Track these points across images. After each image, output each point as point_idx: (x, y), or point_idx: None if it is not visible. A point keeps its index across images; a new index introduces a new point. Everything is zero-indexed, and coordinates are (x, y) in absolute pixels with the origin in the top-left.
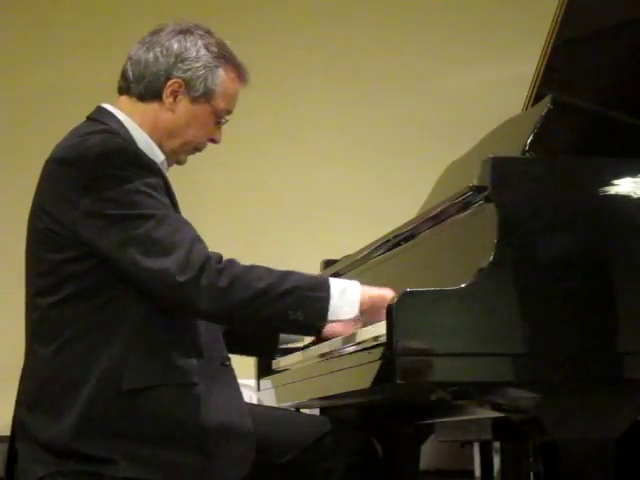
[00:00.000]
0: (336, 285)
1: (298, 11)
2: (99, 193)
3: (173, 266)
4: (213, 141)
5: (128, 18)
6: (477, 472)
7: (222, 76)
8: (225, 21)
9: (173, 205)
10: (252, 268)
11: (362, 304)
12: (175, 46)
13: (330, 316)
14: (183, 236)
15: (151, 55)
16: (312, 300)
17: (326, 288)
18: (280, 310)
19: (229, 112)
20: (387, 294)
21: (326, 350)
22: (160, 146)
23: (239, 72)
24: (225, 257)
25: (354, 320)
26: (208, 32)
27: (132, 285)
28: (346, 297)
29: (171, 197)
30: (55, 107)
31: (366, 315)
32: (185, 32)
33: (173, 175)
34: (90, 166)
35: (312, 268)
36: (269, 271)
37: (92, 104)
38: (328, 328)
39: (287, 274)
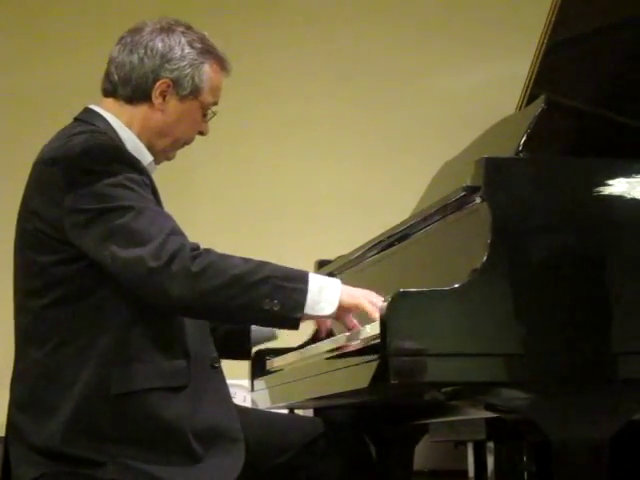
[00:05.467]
0: (315, 280)
1: (298, 9)
2: (81, 189)
3: (147, 254)
4: (201, 133)
5: (125, 18)
6: (471, 472)
7: (207, 71)
8: (225, 19)
9: (158, 204)
10: (228, 256)
11: (341, 304)
12: (159, 46)
13: (307, 309)
14: (161, 227)
15: (135, 57)
16: (289, 290)
17: (304, 281)
18: (255, 298)
19: (215, 104)
20: (365, 303)
21: (320, 350)
22: (150, 146)
23: (222, 64)
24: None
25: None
26: (189, 28)
27: (114, 280)
28: (325, 294)
29: (156, 196)
30: (51, 108)
31: (341, 318)
32: (167, 30)
33: (168, 173)
34: (73, 164)
35: (306, 268)
36: (245, 260)
37: (87, 104)
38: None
39: (264, 263)
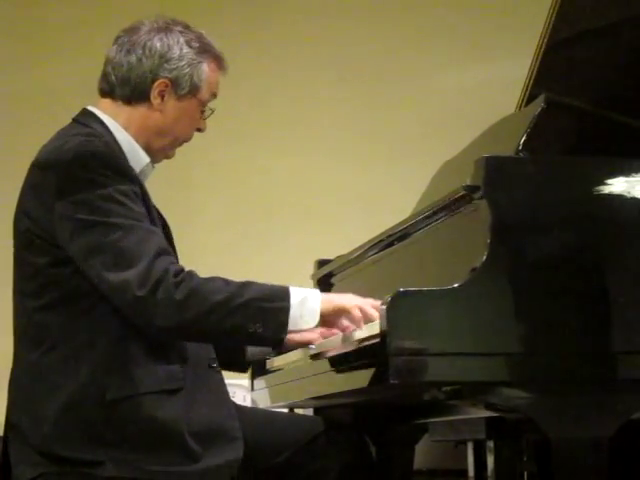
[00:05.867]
0: (296, 294)
1: (298, 9)
2: (72, 196)
3: (133, 279)
4: (199, 130)
5: (125, 17)
6: (471, 472)
7: (206, 70)
8: (224, 18)
9: (148, 213)
10: (210, 280)
11: (323, 312)
12: (157, 45)
13: (290, 326)
14: (147, 248)
15: (133, 57)
16: (271, 311)
17: (286, 298)
18: (239, 323)
19: (214, 97)
20: (346, 304)
21: (320, 350)
22: (149, 146)
23: (219, 63)
24: (188, 268)
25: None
26: (186, 27)
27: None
28: (306, 306)
29: (147, 205)
30: (50, 108)
31: (328, 324)
32: (164, 30)
33: (167, 173)
34: (65, 170)
35: (306, 268)
36: (227, 283)
37: (87, 105)
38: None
39: (245, 285)
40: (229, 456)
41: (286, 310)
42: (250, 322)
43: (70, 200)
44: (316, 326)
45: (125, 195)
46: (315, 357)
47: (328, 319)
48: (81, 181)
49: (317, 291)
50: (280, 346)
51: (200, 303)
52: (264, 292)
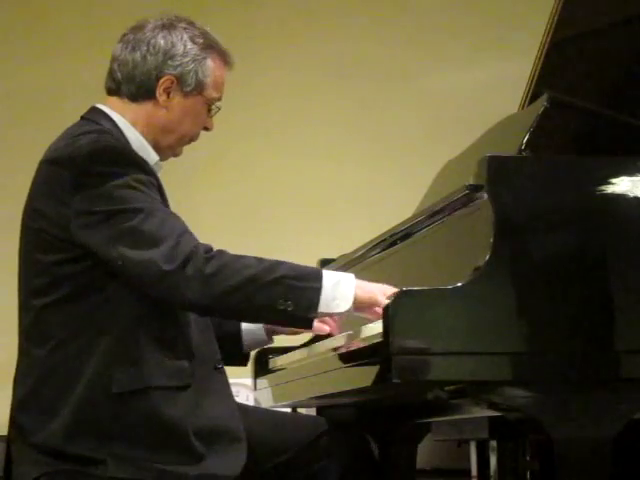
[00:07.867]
0: (329, 277)
1: (297, 8)
2: (89, 191)
3: (159, 257)
4: (206, 129)
5: (125, 17)
6: (474, 471)
7: (211, 66)
8: (224, 17)
9: (164, 204)
10: (242, 257)
11: (356, 300)
12: (161, 43)
13: (321, 308)
14: (171, 228)
15: (138, 55)
16: (302, 290)
17: (318, 279)
18: (268, 299)
19: (219, 99)
20: (379, 297)
21: (323, 349)
22: (156, 143)
23: (225, 58)
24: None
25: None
26: (190, 23)
27: (123, 281)
28: (339, 290)
29: (162, 197)
30: (52, 107)
31: (359, 312)
32: (169, 27)
33: (169, 171)
34: (80, 165)
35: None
36: (259, 260)
37: (89, 104)
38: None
39: (278, 263)
40: (233, 457)
41: (318, 290)
42: (281, 299)
43: (87, 195)
44: (348, 311)
45: (142, 183)
46: (319, 356)
47: (361, 305)
48: (97, 176)
49: (352, 276)
50: (310, 327)
51: (230, 277)
52: (297, 271)
